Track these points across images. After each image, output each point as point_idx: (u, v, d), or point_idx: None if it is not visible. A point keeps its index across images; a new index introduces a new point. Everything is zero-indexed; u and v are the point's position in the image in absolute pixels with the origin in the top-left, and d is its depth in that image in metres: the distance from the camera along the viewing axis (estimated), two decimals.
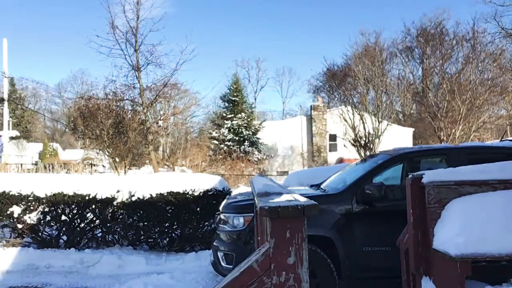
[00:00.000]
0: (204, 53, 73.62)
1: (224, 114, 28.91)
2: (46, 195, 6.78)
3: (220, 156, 24.82)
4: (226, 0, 74.82)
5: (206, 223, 6.97)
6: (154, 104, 18.76)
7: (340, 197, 4.51)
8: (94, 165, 25.71)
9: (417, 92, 27.16)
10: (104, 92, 16.90)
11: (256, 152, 27.61)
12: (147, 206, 6.80)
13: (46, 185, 6.89)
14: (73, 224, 6.97)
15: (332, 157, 29.17)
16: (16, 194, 6.79)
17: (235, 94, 29.39)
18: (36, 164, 25.78)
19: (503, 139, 7.14)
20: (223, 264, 4.81)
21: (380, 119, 21.87)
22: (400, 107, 33.05)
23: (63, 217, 6.94)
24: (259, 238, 3.18)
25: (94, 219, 7.00)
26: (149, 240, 7.07)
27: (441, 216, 2.77)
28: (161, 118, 19.35)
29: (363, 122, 21.95)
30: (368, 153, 20.65)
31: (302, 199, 1.87)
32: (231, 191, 7.29)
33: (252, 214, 4.45)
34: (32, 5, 77.15)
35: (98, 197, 6.81)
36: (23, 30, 75.49)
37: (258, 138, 28.31)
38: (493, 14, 23.31)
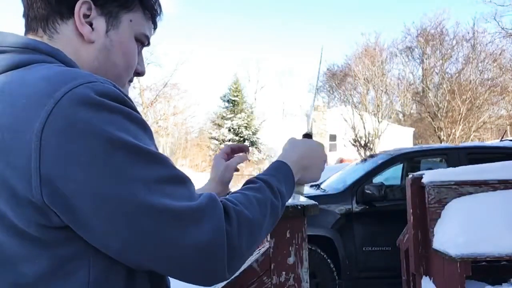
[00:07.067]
0: (204, 53, 73.72)
1: (224, 114, 28.94)
2: None
3: None
4: (226, 0, 74.93)
5: None
6: (154, 104, 18.78)
7: (340, 197, 4.52)
8: None
9: (417, 92, 27.16)
10: None
11: (256, 152, 27.66)
12: None
13: None
14: None
15: (332, 157, 29.17)
16: None
17: (235, 94, 29.42)
18: None
19: (503, 139, 7.14)
20: None
21: (380, 119, 21.89)
22: (400, 107, 33.05)
23: None
24: None
25: None
26: None
27: (441, 216, 2.77)
28: (161, 118, 19.36)
29: (363, 122, 21.98)
30: (368, 153, 20.66)
31: (302, 199, 1.87)
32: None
33: None
34: None
35: None
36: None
37: (258, 138, 28.35)
38: (493, 14, 23.28)
